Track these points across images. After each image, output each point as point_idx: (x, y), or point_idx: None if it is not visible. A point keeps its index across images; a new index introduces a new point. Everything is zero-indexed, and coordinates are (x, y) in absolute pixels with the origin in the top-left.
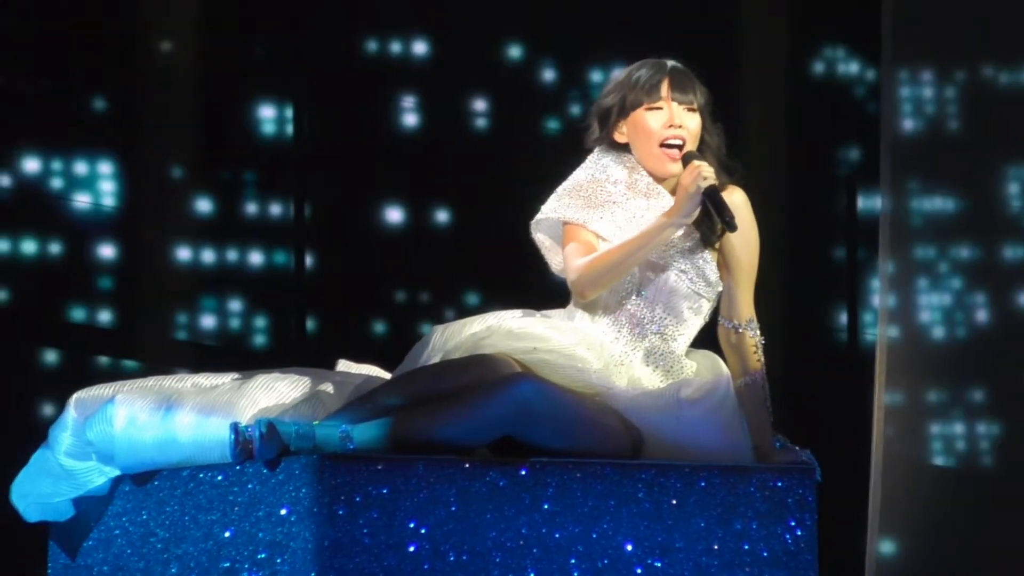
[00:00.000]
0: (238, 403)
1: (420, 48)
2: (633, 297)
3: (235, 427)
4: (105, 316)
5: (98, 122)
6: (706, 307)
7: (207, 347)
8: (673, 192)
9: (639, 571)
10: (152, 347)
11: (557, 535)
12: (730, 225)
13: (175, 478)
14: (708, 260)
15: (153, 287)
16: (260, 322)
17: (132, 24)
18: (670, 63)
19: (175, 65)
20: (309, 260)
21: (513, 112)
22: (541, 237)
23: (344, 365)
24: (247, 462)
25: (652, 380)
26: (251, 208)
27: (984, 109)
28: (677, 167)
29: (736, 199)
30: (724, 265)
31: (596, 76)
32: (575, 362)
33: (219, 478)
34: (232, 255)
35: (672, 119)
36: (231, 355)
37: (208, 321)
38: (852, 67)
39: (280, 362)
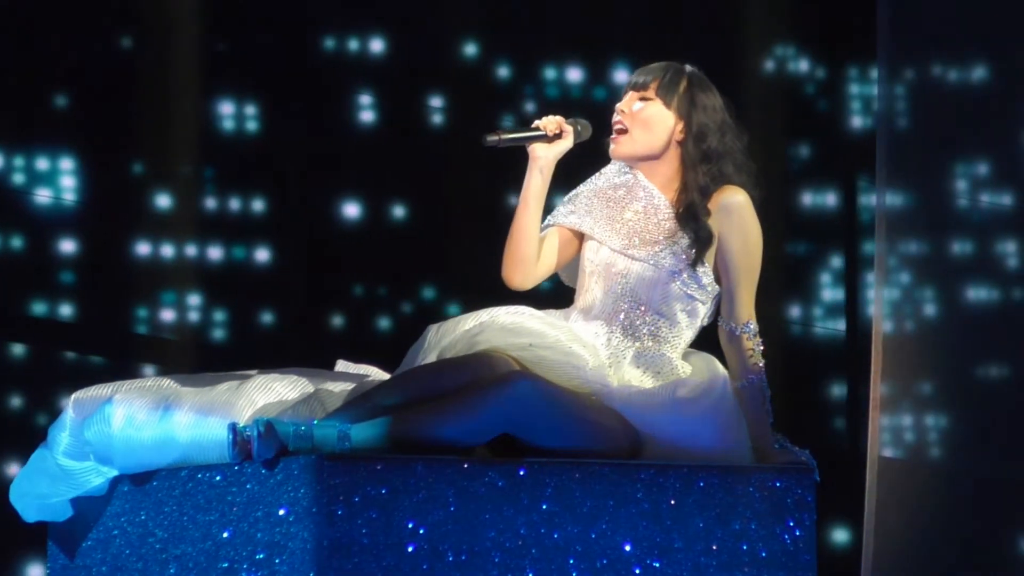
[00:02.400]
0: (236, 403)
1: (377, 46)
2: (627, 299)
3: (233, 427)
4: (66, 310)
5: (59, 118)
6: (701, 310)
7: (167, 340)
8: (673, 197)
9: (638, 571)
10: (113, 341)
11: (556, 535)
12: (537, 136)
13: (173, 478)
14: (703, 263)
15: (113, 281)
16: (219, 316)
17: (94, 21)
18: (655, 64)
19: (136, 62)
20: (267, 255)
21: (469, 109)
22: None
23: (342, 365)
24: (245, 462)
25: (642, 381)
26: (210, 203)
27: (933, 107)
28: (618, 149)
29: (730, 199)
30: (723, 267)
31: (550, 73)
32: (571, 359)
33: (217, 478)
34: (191, 250)
35: (622, 109)
36: (191, 349)
37: (168, 315)
38: (802, 65)
39: (239, 356)
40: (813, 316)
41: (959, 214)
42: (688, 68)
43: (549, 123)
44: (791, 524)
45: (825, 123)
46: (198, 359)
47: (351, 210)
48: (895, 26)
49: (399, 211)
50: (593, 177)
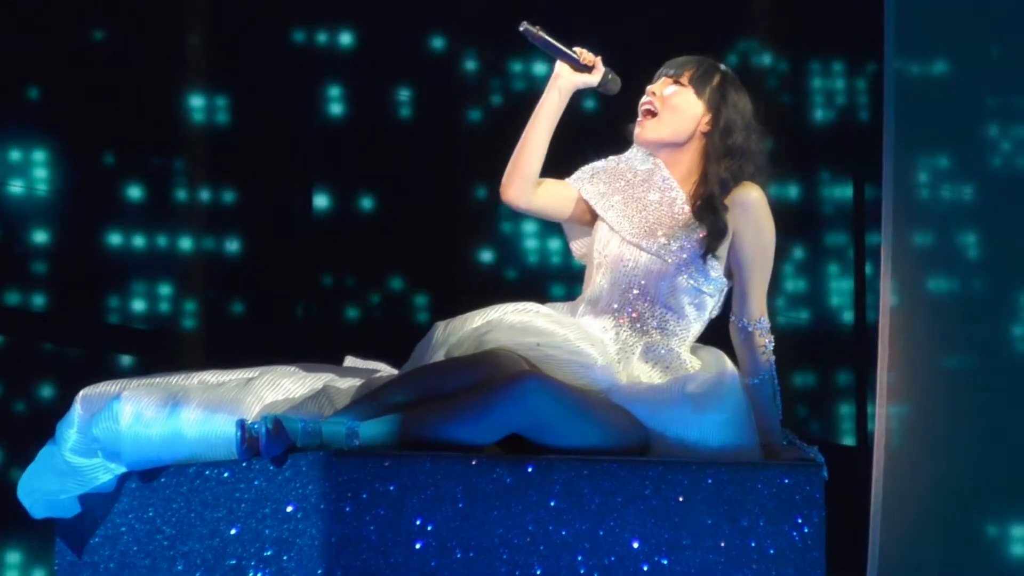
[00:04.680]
0: (244, 400)
1: (346, 39)
2: (635, 292)
3: (242, 424)
4: (39, 300)
5: (32, 110)
6: (709, 303)
7: (138, 331)
8: (691, 188)
9: (646, 568)
10: (85, 330)
11: (564, 532)
12: (569, 57)
13: (181, 475)
14: (715, 256)
15: (85, 272)
16: (189, 306)
17: (66, 13)
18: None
19: (107, 54)
20: (237, 245)
21: (436, 101)
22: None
23: (351, 361)
24: (254, 459)
25: (651, 376)
26: (181, 194)
27: (895, 100)
28: (645, 132)
29: (748, 195)
30: (736, 263)
31: (516, 66)
32: (579, 358)
33: (225, 475)
34: (162, 240)
35: (648, 88)
36: (162, 338)
37: (139, 305)
38: (765, 59)
39: (210, 346)
40: (777, 306)
41: (920, 206)
42: (723, 66)
43: (586, 53)
44: (799, 521)
45: (788, 116)
46: (170, 349)
47: (320, 201)
48: (865, 20)
49: (367, 202)
50: (613, 158)
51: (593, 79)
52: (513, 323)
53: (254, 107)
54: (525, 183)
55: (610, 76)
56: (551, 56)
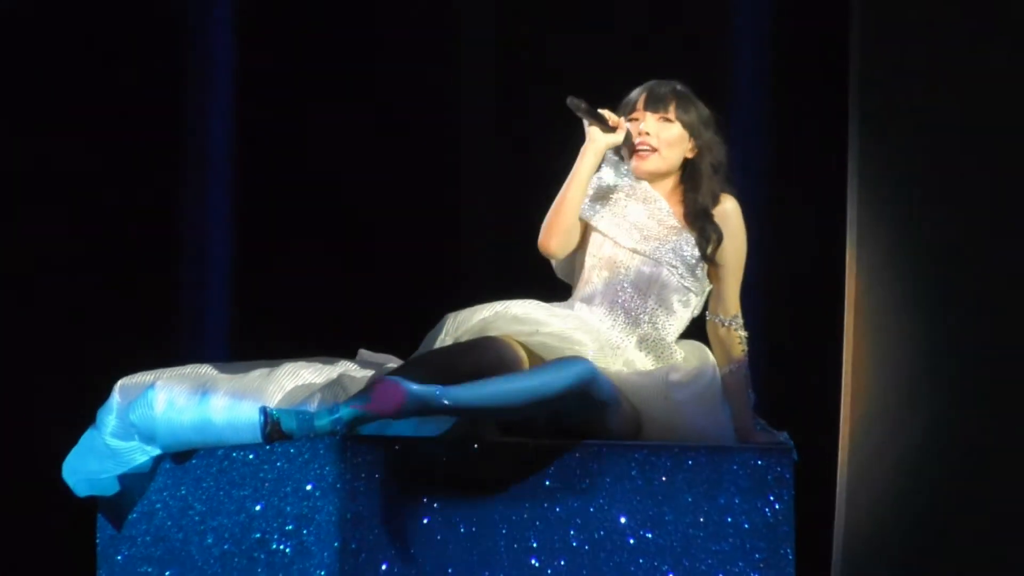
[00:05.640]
0: (267, 388)
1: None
2: (628, 290)
3: (264, 410)
4: None
5: None
6: (694, 300)
7: None
8: (682, 202)
9: (632, 542)
10: None
11: (558, 509)
12: (601, 121)
13: (211, 456)
14: (697, 258)
15: None
16: None
17: None
18: (656, 82)
19: None
20: None
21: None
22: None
23: (364, 354)
24: (276, 443)
25: (644, 364)
26: None
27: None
28: (646, 166)
29: (728, 206)
30: (713, 265)
31: None
32: (572, 344)
33: (251, 457)
34: None
35: (642, 128)
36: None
37: None
38: None
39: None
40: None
41: None
42: (680, 86)
43: (612, 115)
44: (771, 499)
45: None
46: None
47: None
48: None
49: None
50: (592, 179)
51: (618, 138)
52: (516, 314)
53: None
54: (569, 237)
55: (628, 132)
56: (588, 121)
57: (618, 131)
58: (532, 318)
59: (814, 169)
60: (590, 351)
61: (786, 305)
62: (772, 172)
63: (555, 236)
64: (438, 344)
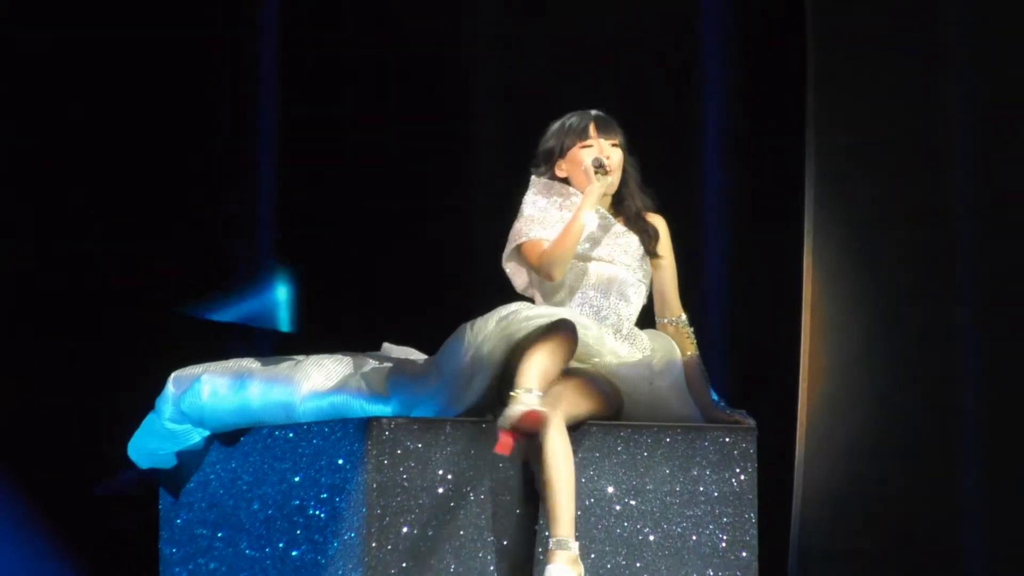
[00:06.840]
0: (295, 376)
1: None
2: (591, 292)
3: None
4: None
5: None
6: (643, 291)
7: None
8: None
9: (618, 508)
10: None
11: None
12: (603, 169)
13: (256, 435)
14: (642, 254)
15: None
16: None
17: None
18: (593, 112)
19: None
20: None
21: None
22: (510, 267)
23: (386, 348)
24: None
25: (622, 348)
26: None
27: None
28: (610, 188)
29: (663, 221)
30: (656, 274)
31: None
32: (580, 326)
33: (290, 435)
34: None
35: (601, 152)
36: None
37: None
38: None
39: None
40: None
41: None
42: (598, 112)
43: (607, 162)
44: (737, 471)
45: None
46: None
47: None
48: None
49: None
50: (530, 201)
51: (613, 178)
52: (528, 315)
53: None
54: (567, 266)
55: (613, 172)
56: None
57: (610, 173)
58: (539, 312)
59: (773, 183)
60: (592, 334)
61: (751, 305)
62: (735, 186)
63: (561, 268)
64: (464, 354)
